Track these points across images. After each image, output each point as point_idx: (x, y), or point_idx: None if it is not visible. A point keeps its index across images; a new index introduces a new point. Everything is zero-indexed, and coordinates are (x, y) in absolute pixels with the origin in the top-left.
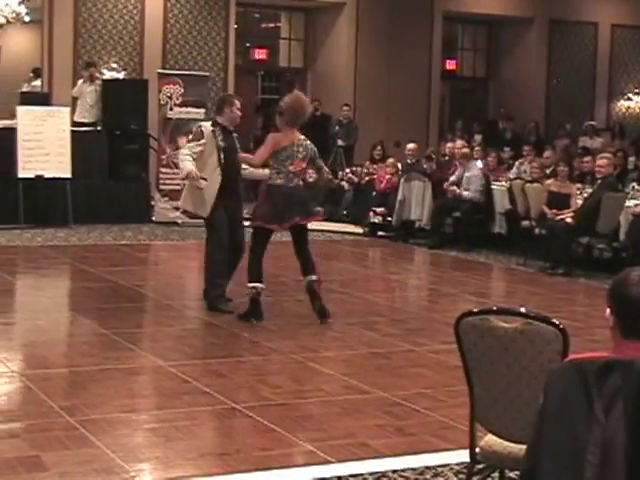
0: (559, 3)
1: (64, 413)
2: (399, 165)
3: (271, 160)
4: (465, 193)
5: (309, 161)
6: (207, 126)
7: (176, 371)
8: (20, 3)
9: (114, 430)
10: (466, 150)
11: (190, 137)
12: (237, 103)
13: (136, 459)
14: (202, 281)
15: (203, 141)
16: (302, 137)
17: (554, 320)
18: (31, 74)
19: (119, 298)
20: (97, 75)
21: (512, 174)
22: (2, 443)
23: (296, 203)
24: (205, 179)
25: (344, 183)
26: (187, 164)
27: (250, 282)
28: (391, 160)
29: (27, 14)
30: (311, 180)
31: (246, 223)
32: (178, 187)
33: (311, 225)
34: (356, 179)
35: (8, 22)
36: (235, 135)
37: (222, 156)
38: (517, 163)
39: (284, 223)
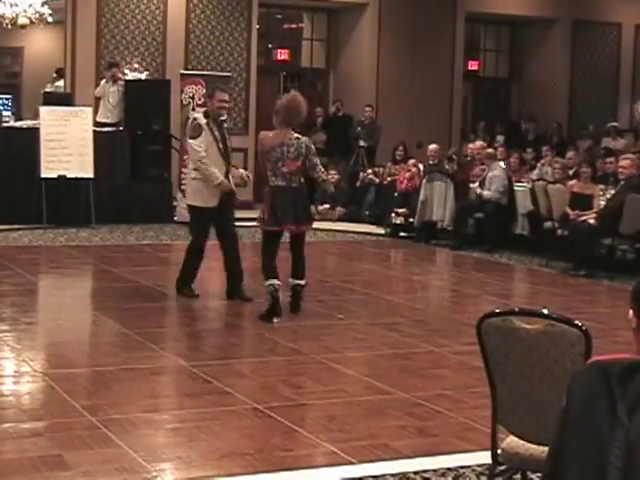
0: (582, 4)
1: (86, 412)
2: (420, 166)
3: (266, 162)
4: (485, 193)
5: (304, 159)
6: (201, 118)
7: (198, 371)
8: (43, 4)
9: (136, 430)
10: (491, 150)
11: (190, 133)
12: (219, 95)
13: (158, 459)
14: (224, 281)
15: (203, 134)
16: (295, 136)
17: (577, 322)
18: (54, 75)
19: (141, 298)
20: (119, 75)
21: (534, 175)
22: (25, 442)
23: (294, 207)
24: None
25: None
26: (218, 175)
27: (266, 280)
28: (412, 161)
29: (50, 15)
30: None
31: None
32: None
33: (333, 225)
34: (377, 180)
35: (31, 23)
36: (225, 125)
37: (221, 146)
38: (539, 164)
39: (282, 225)
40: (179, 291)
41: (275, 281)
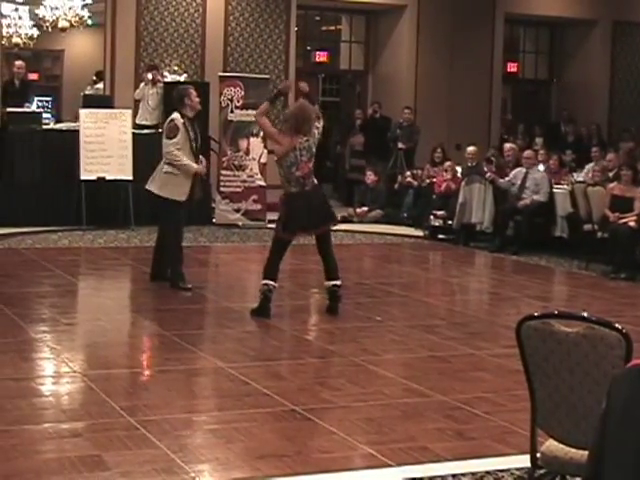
0: (622, 4)
1: (125, 413)
2: (458, 168)
3: (279, 168)
4: (535, 197)
5: (313, 158)
6: (179, 118)
7: (236, 373)
8: (83, 7)
9: (174, 431)
10: (530, 152)
11: (167, 133)
12: (193, 92)
13: (196, 460)
14: (260, 283)
15: (179, 134)
16: (305, 138)
17: (617, 325)
18: (94, 77)
19: (179, 300)
20: (159, 78)
21: (581, 176)
22: (65, 442)
23: (315, 211)
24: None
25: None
26: (192, 164)
27: (263, 279)
28: (448, 163)
29: (90, 18)
30: None
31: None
32: (239, 189)
33: (371, 228)
34: (416, 182)
35: (72, 26)
36: (196, 123)
37: (194, 145)
38: (587, 167)
39: (295, 234)
40: (176, 286)
41: (271, 282)
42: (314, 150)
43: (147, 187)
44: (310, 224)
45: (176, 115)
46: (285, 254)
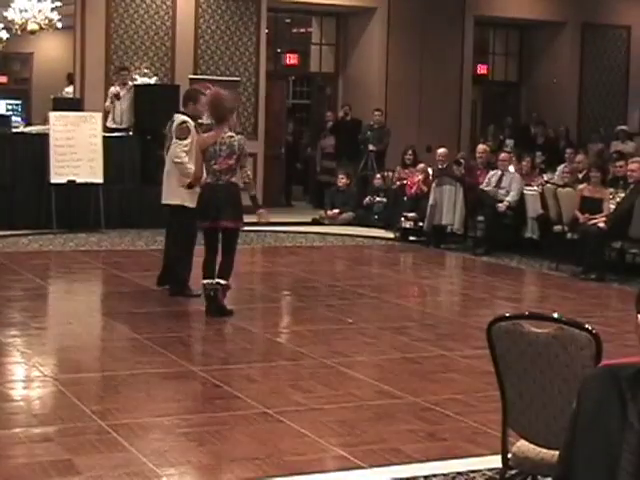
0: (591, 7)
1: (96, 417)
2: (429, 170)
3: (202, 161)
4: (507, 198)
5: (237, 158)
6: (190, 121)
7: (207, 375)
8: (53, 10)
9: (146, 434)
10: (506, 155)
11: (178, 134)
12: (204, 99)
13: (168, 463)
14: (233, 285)
15: (190, 137)
16: (229, 134)
17: (587, 325)
18: (67, 80)
19: (151, 303)
20: (128, 80)
21: (555, 178)
22: (36, 447)
23: (217, 203)
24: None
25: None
26: (191, 172)
27: (203, 279)
28: (421, 165)
29: (59, 21)
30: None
31: None
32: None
33: (342, 230)
34: (384, 187)
35: (41, 29)
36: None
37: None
38: (560, 168)
39: (207, 222)
40: (179, 293)
41: (208, 281)
42: (236, 149)
43: (164, 202)
44: (208, 216)
45: (186, 117)
46: (215, 247)
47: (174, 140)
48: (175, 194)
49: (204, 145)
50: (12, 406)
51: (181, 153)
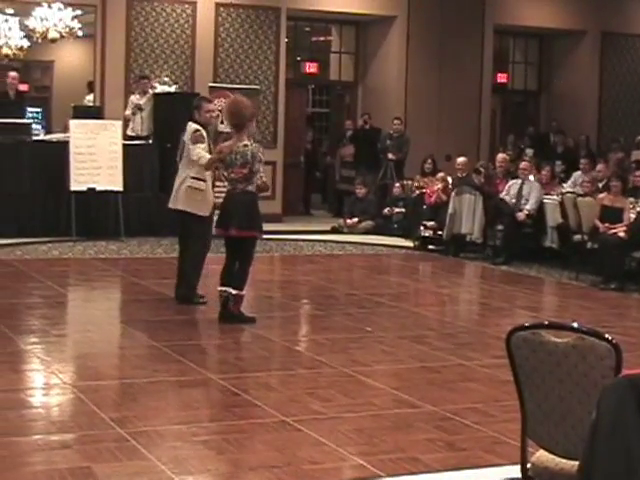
0: (611, 16)
1: (115, 425)
2: (449, 179)
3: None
4: (528, 205)
5: (250, 167)
6: (202, 129)
7: (226, 384)
8: (73, 18)
9: (165, 442)
10: (526, 164)
11: (194, 140)
12: (206, 106)
13: (186, 471)
14: (252, 293)
15: (205, 144)
16: (244, 143)
17: (607, 335)
18: (88, 89)
19: (169, 310)
20: (149, 89)
21: (569, 187)
22: (54, 454)
23: (231, 211)
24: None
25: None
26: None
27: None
28: (441, 174)
29: (80, 29)
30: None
31: None
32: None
33: (361, 238)
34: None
35: (62, 37)
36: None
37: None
38: (575, 175)
39: (221, 229)
40: (189, 301)
41: (222, 288)
42: (249, 158)
43: (171, 206)
44: (221, 223)
45: (198, 125)
46: (229, 254)
47: (190, 146)
48: (182, 201)
49: (221, 153)
50: (31, 413)
51: (202, 152)
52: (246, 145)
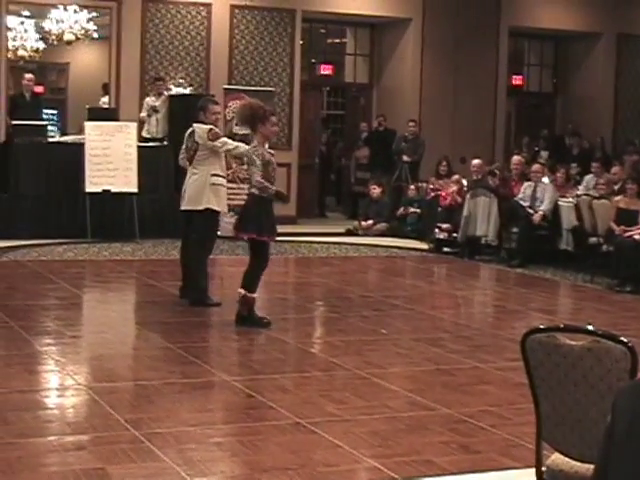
0: (626, 18)
1: (130, 426)
2: (464, 181)
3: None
4: (542, 207)
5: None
6: (215, 127)
7: (241, 385)
8: (89, 20)
9: (179, 444)
10: (538, 166)
11: (212, 137)
12: (212, 108)
13: (201, 473)
14: (267, 295)
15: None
16: (253, 145)
17: (622, 338)
18: (103, 91)
19: (184, 312)
20: (164, 91)
21: (581, 190)
22: (69, 455)
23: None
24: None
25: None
26: (243, 145)
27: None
28: (456, 176)
29: (95, 31)
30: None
31: None
32: (243, 202)
33: (376, 241)
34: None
35: (77, 39)
36: None
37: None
38: (586, 179)
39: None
40: (201, 303)
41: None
42: (245, 159)
43: (189, 207)
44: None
45: (210, 126)
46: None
47: (214, 142)
48: (207, 199)
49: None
50: (46, 414)
51: (227, 140)
52: (255, 147)
